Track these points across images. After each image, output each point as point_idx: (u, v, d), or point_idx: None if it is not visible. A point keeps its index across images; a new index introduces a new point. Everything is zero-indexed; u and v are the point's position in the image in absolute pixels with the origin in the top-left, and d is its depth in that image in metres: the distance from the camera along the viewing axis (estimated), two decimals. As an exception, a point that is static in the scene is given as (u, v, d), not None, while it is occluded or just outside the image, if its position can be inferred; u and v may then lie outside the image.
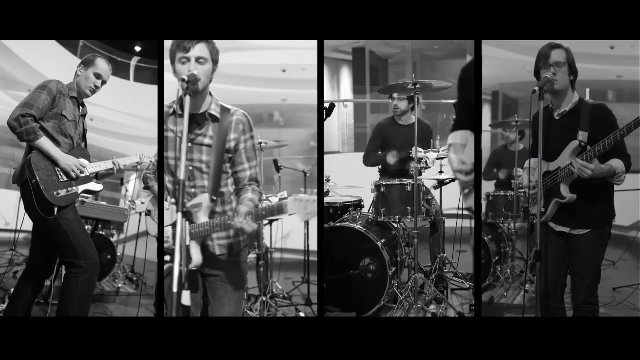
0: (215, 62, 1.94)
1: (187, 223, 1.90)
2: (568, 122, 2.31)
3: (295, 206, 1.73)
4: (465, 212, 3.82)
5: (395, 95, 3.79)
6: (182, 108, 1.94)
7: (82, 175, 2.57)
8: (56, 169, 2.51)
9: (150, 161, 3.13)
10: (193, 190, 1.97)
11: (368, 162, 3.92)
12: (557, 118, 2.35)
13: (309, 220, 1.83)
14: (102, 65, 2.66)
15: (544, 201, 2.39)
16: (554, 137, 2.33)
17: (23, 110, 2.41)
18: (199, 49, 1.88)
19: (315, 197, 1.73)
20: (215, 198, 1.95)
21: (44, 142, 2.45)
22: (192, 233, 1.90)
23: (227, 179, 2.01)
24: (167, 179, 2.02)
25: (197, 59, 1.88)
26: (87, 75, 2.64)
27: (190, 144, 1.96)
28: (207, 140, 1.96)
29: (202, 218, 1.91)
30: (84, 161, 2.62)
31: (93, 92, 2.67)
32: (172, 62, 1.93)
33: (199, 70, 1.87)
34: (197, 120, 1.96)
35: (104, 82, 2.68)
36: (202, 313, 2.09)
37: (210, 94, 1.99)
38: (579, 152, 2.26)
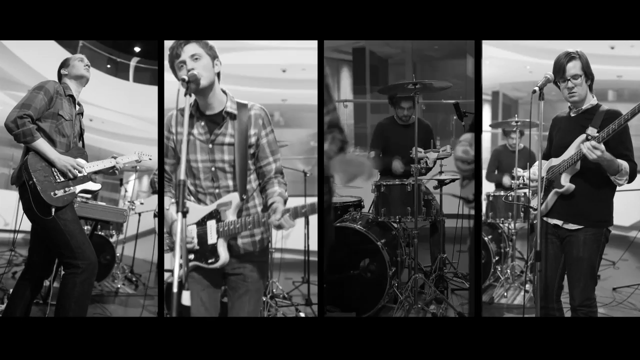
0: (212, 56, 1.93)
1: (214, 221, 1.92)
2: (581, 120, 2.35)
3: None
4: (463, 205, 3.82)
5: (405, 104, 3.77)
6: (197, 109, 1.96)
7: (79, 175, 2.56)
8: (53, 169, 2.51)
9: (151, 157, 3.12)
10: (217, 190, 1.97)
11: (373, 165, 3.92)
12: (572, 116, 2.39)
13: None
14: (76, 55, 2.76)
15: (543, 194, 2.41)
16: (567, 133, 2.38)
17: (20, 111, 2.41)
18: (190, 49, 1.89)
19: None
20: (245, 197, 1.95)
21: (41, 144, 2.45)
22: (221, 231, 1.91)
23: (250, 175, 2.00)
24: (189, 181, 2.00)
25: (191, 57, 1.88)
26: (73, 64, 2.69)
27: (210, 145, 1.95)
28: (227, 139, 1.95)
29: (231, 216, 1.91)
30: (81, 161, 2.62)
31: (88, 70, 2.74)
32: (176, 76, 1.92)
33: (197, 66, 1.87)
34: (215, 120, 1.96)
35: (87, 63, 2.76)
36: (220, 312, 2.10)
37: (224, 92, 1.99)
38: None
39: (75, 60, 2.71)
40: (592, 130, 2.25)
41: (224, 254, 1.91)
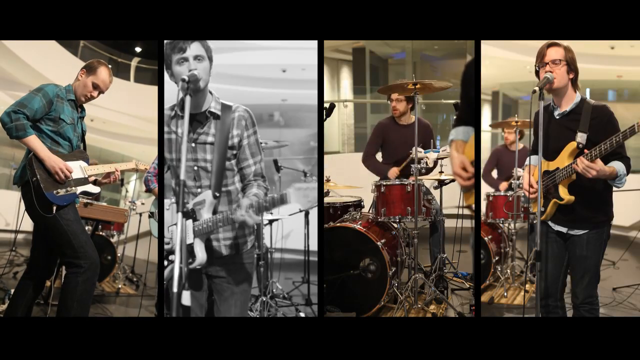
0: (210, 59, 1.94)
1: (191, 221, 1.90)
2: (568, 122, 2.29)
3: (296, 195, 1.71)
4: (467, 211, 3.82)
5: (394, 96, 3.78)
6: (182, 109, 1.94)
7: (66, 179, 2.54)
8: None
9: (148, 167, 3.12)
10: (199, 190, 1.96)
11: (368, 165, 3.92)
12: (557, 117, 2.34)
13: (310, 209, 1.82)
14: (103, 74, 2.64)
15: (542, 200, 2.39)
16: (554, 137, 2.32)
17: (15, 107, 2.42)
18: (195, 48, 1.88)
19: (315, 184, 1.70)
20: (218, 194, 1.94)
21: (33, 140, 2.44)
22: (196, 230, 1.90)
23: (233, 176, 1.99)
24: (173, 180, 2.02)
25: (195, 57, 1.88)
26: (85, 82, 2.63)
27: (193, 144, 1.95)
28: (209, 139, 1.95)
29: (205, 215, 1.91)
30: (76, 163, 2.60)
31: (87, 100, 2.67)
32: (168, 67, 1.91)
33: (199, 67, 1.87)
34: (198, 119, 1.96)
35: (100, 92, 2.68)
36: (207, 314, 2.09)
37: (210, 93, 1.99)
38: (577, 154, 2.25)
39: (91, 79, 2.62)
40: (581, 137, 2.22)
41: (200, 254, 1.90)
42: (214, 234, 1.95)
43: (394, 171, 3.73)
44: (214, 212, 1.93)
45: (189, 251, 1.90)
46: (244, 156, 2.00)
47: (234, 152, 1.98)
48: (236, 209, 1.83)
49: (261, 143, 3.80)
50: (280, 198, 1.76)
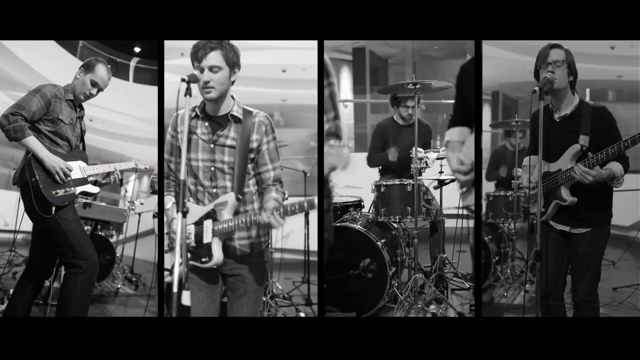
0: (232, 65, 1.95)
1: (211, 221, 1.94)
2: (569, 125, 2.30)
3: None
4: (465, 211, 3.83)
5: (410, 103, 3.76)
6: (203, 111, 2.00)
7: (67, 179, 2.53)
8: None
9: (147, 166, 3.12)
10: (215, 190, 1.99)
11: (372, 163, 3.92)
12: (557, 120, 2.35)
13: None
14: (101, 72, 2.63)
15: (543, 201, 2.39)
16: (555, 139, 2.33)
17: (13, 109, 2.42)
18: (212, 58, 1.90)
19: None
20: (240, 197, 1.97)
21: (32, 141, 2.44)
22: (215, 230, 1.93)
23: (249, 180, 2.03)
24: (190, 180, 2.03)
25: (211, 68, 1.90)
26: (84, 80, 2.62)
27: (212, 145, 1.98)
28: (228, 142, 1.98)
29: (226, 216, 1.93)
30: (75, 163, 2.60)
31: (87, 98, 2.65)
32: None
33: (214, 78, 1.89)
34: (219, 122, 1.99)
35: (99, 90, 2.66)
36: (220, 313, 2.11)
37: (233, 97, 2.02)
38: (580, 156, 2.25)
39: (89, 77, 2.60)
40: (584, 140, 2.23)
41: (217, 254, 1.93)
42: (234, 234, 1.99)
43: (391, 153, 3.71)
44: (235, 213, 1.96)
45: (206, 250, 1.93)
46: (263, 161, 2.03)
47: (252, 156, 2.00)
48: (261, 211, 1.86)
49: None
50: (310, 203, 1.77)
